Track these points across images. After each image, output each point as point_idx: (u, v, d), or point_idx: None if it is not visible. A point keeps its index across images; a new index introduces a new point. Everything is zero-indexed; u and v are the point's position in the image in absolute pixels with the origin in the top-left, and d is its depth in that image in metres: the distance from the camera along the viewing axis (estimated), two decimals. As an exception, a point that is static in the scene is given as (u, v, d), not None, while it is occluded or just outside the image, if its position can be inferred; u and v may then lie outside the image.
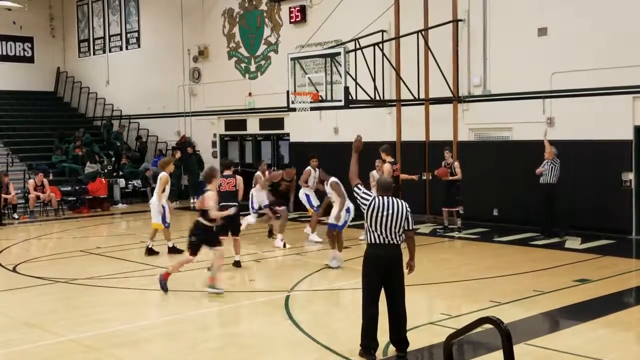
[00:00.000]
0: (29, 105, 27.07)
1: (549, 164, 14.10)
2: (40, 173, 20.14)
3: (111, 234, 16.78)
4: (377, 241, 6.94)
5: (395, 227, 6.90)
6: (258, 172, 14.81)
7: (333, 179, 12.07)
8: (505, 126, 16.04)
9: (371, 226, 6.93)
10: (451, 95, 16.37)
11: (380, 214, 6.86)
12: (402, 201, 7.05)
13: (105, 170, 22.51)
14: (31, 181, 19.96)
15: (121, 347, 7.47)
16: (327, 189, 12.11)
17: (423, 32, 16.32)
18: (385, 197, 7.00)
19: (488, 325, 4.76)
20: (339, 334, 7.89)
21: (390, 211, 6.89)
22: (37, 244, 15.69)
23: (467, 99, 16.52)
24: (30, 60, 28.67)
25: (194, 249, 9.82)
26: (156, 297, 9.95)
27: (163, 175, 12.65)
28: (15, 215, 19.00)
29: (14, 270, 11.79)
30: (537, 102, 15.33)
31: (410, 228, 7.04)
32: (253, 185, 14.58)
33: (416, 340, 7.53)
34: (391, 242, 6.93)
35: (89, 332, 8.04)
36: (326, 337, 7.59)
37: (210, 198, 9.79)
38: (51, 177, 21.15)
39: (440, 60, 16.05)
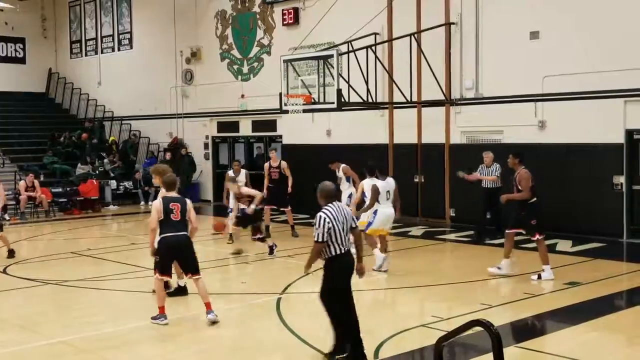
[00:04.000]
0: (21, 106, 26.96)
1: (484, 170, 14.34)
2: (31, 174, 20.06)
3: (102, 236, 16.72)
4: (341, 250, 6.80)
5: (346, 232, 6.84)
6: (230, 172, 14.73)
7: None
8: (497, 129, 16.09)
9: (335, 239, 6.73)
10: (443, 98, 16.41)
11: (337, 223, 6.73)
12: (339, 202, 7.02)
13: (97, 172, 22.48)
14: (22, 182, 19.89)
15: (112, 349, 7.45)
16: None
17: (416, 35, 16.36)
18: (333, 205, 6.85)
19: (479, 328, 4.77)
20: (330, 337, 7.88)
21: (342, 217, 6.81)
22: (28, 245, 15.61)
23: (459, 102, 16.56)
24: (22, 61, 28.56)
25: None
26: (147, 299, 9.91)
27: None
28: (6, 217, 18.90)
29: (4, 271, 11.73)
30: (528, 105, 15.38)
31: (356, 225, 7.06)
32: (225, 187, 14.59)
33: (407, 342, 7.56)
34: (347, 247, 6.86)
35: (79, 334, 8.01)
36: (318, 339, 7.57)
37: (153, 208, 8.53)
38: (42, 178, 21.07)
39: (433, 63, 16.09)
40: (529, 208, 10.48)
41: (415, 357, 7.30)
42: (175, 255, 8.50)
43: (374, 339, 7.45)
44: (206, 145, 23.45)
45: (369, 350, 7.09)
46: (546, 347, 7.29)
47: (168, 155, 22.72)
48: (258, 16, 21.34)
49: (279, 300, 9.40)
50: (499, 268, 10.68)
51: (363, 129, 18.38)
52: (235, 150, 22.62)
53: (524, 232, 10.66)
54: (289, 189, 15.18)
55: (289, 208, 15.34)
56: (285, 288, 10.17)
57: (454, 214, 16.68)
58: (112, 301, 9.86)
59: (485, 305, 8.89)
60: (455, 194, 16.43)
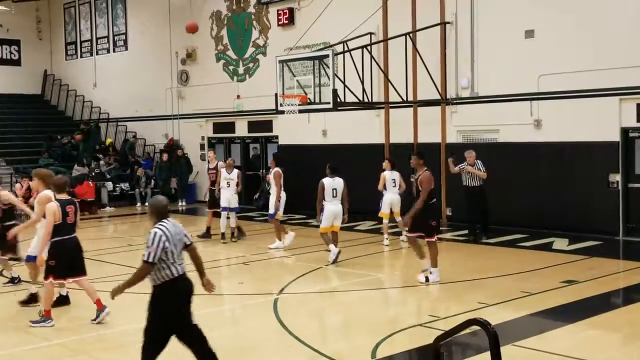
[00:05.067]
0: (16, 109, 26.91)
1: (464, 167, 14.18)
2: (26, 179, 19.96)
3: (98, 237, 16.67)
4: (178, 272, 5.99)
5: (180, 251, 6.06)
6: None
7: (277, 168, 13.35)
8: (493, 128, 16.11)
9: (171, 260, 5.93)
10: (439, 98, 16.42)
11: (173, 241, 5.94)
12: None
13: (93, 173, 22.43)
14: (18, 185, 19.82)
15: (108, 351, 7.44)
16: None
17: (411, 35, 16.36)
18: (168, 221, 6.00)
19: (476, 327, 4.77)
20: (327, 337, 7.89)
21: (177, 234, 6.01)
22: (24, 247, 15.54)
23: (454, 101, 16.58)
24: (17, 63, 28.50)
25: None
26: (143, 301, 9.89)
27: None
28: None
29: (0, 273, 11.69)
30: (524, 104, 15.41)
31: (190, 242, 6.17)
32: (218, 184, 14.68)
33: (405, 341, 7.56)
34: (184, 269, 6.04)
35: (76, 336, 8.00)
36: (315, 339, 7.58)
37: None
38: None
39: (428, 62, 16.10)
40: (429, 209, 10.23)
41: (413, 356, 7.30)
42: (72, 258, 8.47)
43: (372, 338, 7.46)
44: (202, 146, 23.42)
45: (366, 349, 7.09)
46: (543, 346, 7.30)
47: (165, 157, 22.71)
48: (253, 16, 21.34)
49: (276, 300, 9.40)
50: (430, 273, 10.27)
51: (359, 129, 18.38)
52: (231, 151, 22.60)
53: (423, 234, 10.26)
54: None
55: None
56: (282, 288, 10.16)
57: (450, 213, 16.68)
58: (109, 303, 9.82)
59: (483, 304, 8.90)
60: (451, 193, 16.44)
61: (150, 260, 5.86)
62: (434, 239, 10.26)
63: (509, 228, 14.95)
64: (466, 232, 14.77)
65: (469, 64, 16.29)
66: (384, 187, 13.91)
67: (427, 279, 10.22)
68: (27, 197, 19.46)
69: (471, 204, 14.17)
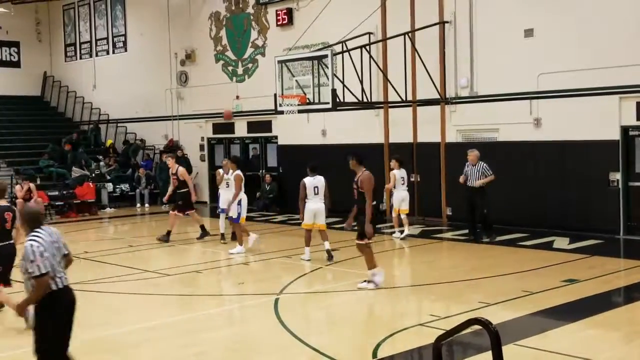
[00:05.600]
0: (16, 110, 26.90)
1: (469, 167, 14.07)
2: (26, 182, 19.95)
3: (99, 239, 16.68)
4: (62, 284, 5.72)
5: (59, 260, 5.76)
6: (220, 169, 14.87)
7: (238, 171, 13.41)
8: (492, 127, 16.11)
9: (52, 271, 5.62)
10: (438, 97, 16.42)
11: (52, 251, 5.65)
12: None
13: (93, 175, 22.44)
14: (18, 186, 19.82)
15: (109, 352, 7.43)
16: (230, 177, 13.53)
17: (410, 34, 16.36)
18: (43, 229, 5.73)
19: (477, 326, 4.76)
20: (329, 337, 7.89)
21: (55, 243, 5.73)
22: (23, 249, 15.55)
23: (454, 101, 16.58)
24: (17, 65, 28.48)
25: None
26: (145, 302, 9.92)
27: None
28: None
29: (0, 276, 11.67)
30: (524, 103, 15.40)
31: (68, 251, 5.89)
32: (218, 184, 14.65)
33: (405, 342, 7.55)
34: (67, 281, 5.79)
35: (78, 337, 7.97)
36: (315, 339, 7.57)
37: None
38: (38, 182, 21.01)
39: (427, 62, 16.10)
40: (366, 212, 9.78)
41: (414, 356, 7.29)
42: (6, 264, 8.53)
43: (372, 339, 7.45)
44: (202, 147, 23.42)
45: (368, 349, 7.09)
46: (545, 345, 7.29)
47: (165, 157, 22.68)
48: (252, 17, 21.33)
49: (276, 300, 9.39)
50: (369, 282, 9.91)
51: (358, 129, 18.37)
52: (230, 151, 22.60)
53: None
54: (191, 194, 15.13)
55: (193, 211, 15.28)
56: (283, 288, 10.15)
57: (450, 213, 16.68)
58: (110, 304, 9.84)
59: (483, 304, 8.89)
60: (451, 192, 16.43)
61: (43, 271, 5.52)
62: (364, 242, 9.87)
63: (509, 227, 14.93)
64: (466, 231, 14.76)
65: (468, 63, 16.28)
66: (394, 185, 14.44)
67: (368, 282, 9.86)
68: (28, 198, 19.55)
69: (472, 204, 14.13)
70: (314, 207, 12.11)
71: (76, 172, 22.43)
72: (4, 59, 28.16)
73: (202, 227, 15.11)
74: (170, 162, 15.40)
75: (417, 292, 10.18)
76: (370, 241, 9.99)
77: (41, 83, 29.05)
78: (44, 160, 22.96)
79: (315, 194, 12.13)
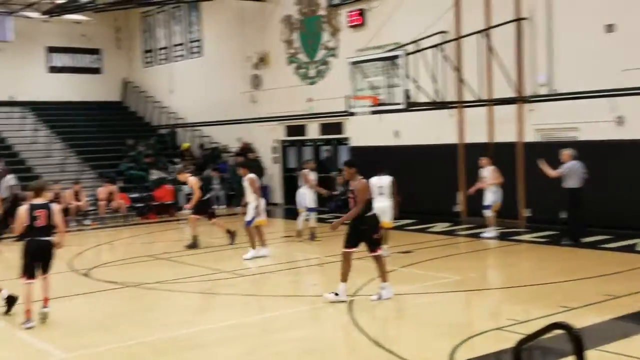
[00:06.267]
0: (98, 115, 27.87)
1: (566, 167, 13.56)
2: (108, 184, 20.68)
3: (177, 239, 17.06)
4: None
5: None
6: (306, 170, 15.20)
7: (251, 175, 13.29)
8: (572, 126, 15.62)
9: None
10: (515, 96, 16.05)
11: None
12: None
13: (172, 177, 22.99)
14: (100, 189, 20.58)
15: (188, 350, 7.59)
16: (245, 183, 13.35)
17: (485, 32, 16.07)
18: None
19: (559, 331, 4.62)
20: (404, 340, 7.82)
21: None
22: (108, 249, 16.14)
23: (532, 99, 16.17)
24: (98, 71, 29.55)
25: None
26: (221, 301, 10.10)
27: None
28: (87, 222, 19.59)
29: (86, 274, 12.14)
30: (605, 100, 14.87)
31: None
32: (299, 185, 14.83)
33: (482, 346, 7.41)
34: None
35: (156, 335, 8.21)
36: (391, 342, 7.52)
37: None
38: (120, 184, 21.73)
39: (504, 59, 15.79)
40: (367, 221, 9.37)
41: (492, 360, 7.14)
42: (37, 258, 8.75)
43: (449, 342, 7.35)
44: (274, 149, 23.68)
45: (444, 353, 6.99)
46: (629, 350, 7.02)
47: (239, 160, 23.07)
48: (324, 19, 21.42)
49: (351, 302, 9.38)
50: (336, 294, 9.43)
51: (432, 130, 18.17)
52: (303, 153, 22.75)
53: (355, 249, 9.51)
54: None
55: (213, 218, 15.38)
56: (357, 290, 10.13)
57: (529, 214, 16.27)
58: (187, 303, 10.07)
59: (565, 308, 8.63)
60: (531, 194, 16.03)
61: None
62: (377, 253, 9.50)
63: (591, 230, 14.45)
64: (546, 233, 14.36)
65: (547, 60, 15.86)
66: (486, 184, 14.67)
67: (380, 297, 9.46)
68: (109, 200, 20.26)
69: (570, 205, 13.64)
70: (379, 206, 12.02)
71: (154, 174, 23.05)
72: (86, 65, 29.26)
73: (195, 237, 14.78)
74: (180, 176, 15.60)
75: (495, 295, 9.97)
76: (352, 250, 9.45)
77: (121, 88, 30.04)
78: (124, 164, 23.70)
79: (380, 193, 12.33)
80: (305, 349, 7.69)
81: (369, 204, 9.49)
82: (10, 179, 17.45)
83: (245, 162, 14.54)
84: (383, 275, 9.58)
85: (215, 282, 11.22)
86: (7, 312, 9.13)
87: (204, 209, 15.07)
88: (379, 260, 9.54)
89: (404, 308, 9.60)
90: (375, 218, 9.62)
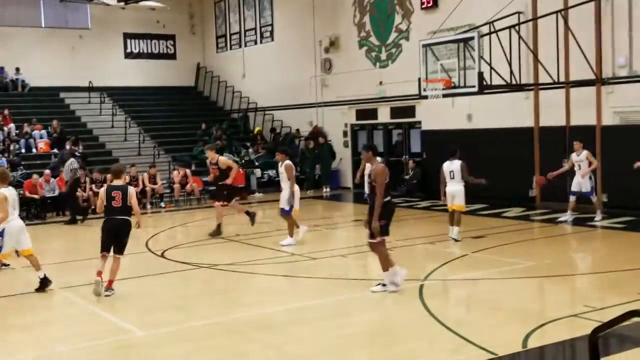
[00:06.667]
0: (172, 100, 28.53)
1: None
2: (182, 168, 21.18)
3: (249, 222, 17.33)
4: None
5: None
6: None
7: (288, 161, 12.96)
8: (654, 108, 15.01)
9: None
10: (594, 77, 15.53)
11: None
12: None
13: (243, 161, 23.36)
14: (175, 172, 21.12)
15: (260, 330, 7.73)
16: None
17: (562, 12, 15.58)
18: None
19: (636, 319, 4.49)
20: (476, 325, 7.75)
21: None
22: (182, 231, 16.57)
23: (611, 81, 15.60)
24: (173, 57, 30.22)
25: None
26: (293, 283, 10.24)
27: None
28: (162, 204, 20.15)
29: (162, 255, 12.51)
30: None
31: None
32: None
33: (557, 333, 7.27)
34: None
35: (229, 316, 8.40)
36: (463, 327, 7.47)
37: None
38: (193, 168, 22.22)
39: (581, 40, 15.27)
40: (384, 208, 8.87)
41: (566, 348, 7.00)
42: (112, 236, 9.34)
43: (523, 327, 7.24)
44: (345, 133, 23.70)
45: (517, 339, 6.90)
46: None
47: (311, 144, 23.24)
48: (396, 1, 21.20)
49: (421, 287, 9.35)
50: (383, 285, 9.12)
51: (506, 113, 17.80)
52: (374, 137, 22.69)
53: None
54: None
55: (230, 202, 14.56)
56: (428, 275, 10.09)
57: (606, 199, 15.77)
58: (263, 284, 10.25)
59: (643, 296, 8.36)
60: (608, 178, 15.52)
61: None
62: (376, 241, 9.02)
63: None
64: (623, 219, 13.90)
65: (627, 40, 15.25)
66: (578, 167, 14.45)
67: (384, 285, 9.09)
68: (184, 183, 20.76)
69: None
70: (450, 189, 12.68)
71: (226, 157, 23.42)
72: (161, 51, 29.96)
73: (247, 212, 14.56)
74: (209, 153, 14.59)
75: (570, 282, 9.74)
76: (381, 239, 9.03)
77: (195, 73, 30.62)
78: (197, 148, 24.20)
79: (451, 177, 12.60)
80: (376, 332, 7.73)
81: (388, 189, 8.96)
82: (73, 162, 18.09)
83: (284, 149, 13.89)
84: (385, 263, 9.09)
85: (287, 264, 11.37)
86: (39, 290, 9.64)
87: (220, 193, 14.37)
88: (377, 248, 9.06)
89: (476, 293, 9.49)
90: (392, 205, 9.15)
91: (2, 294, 9.71)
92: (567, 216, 14.47)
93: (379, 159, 9.56)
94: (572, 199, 14.56)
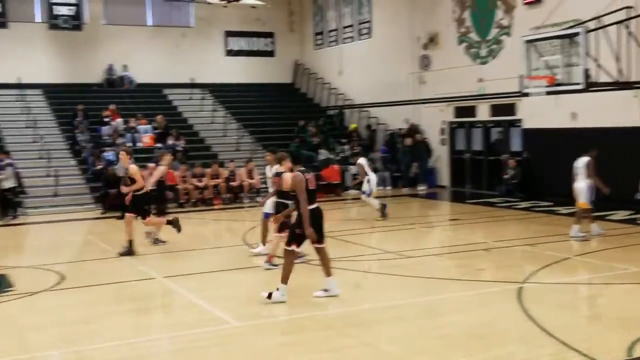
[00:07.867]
0: (271, 97, 28.97)
1: None
2: (277, 164, 21.40)
3: (344, 219, 17.38)
4: None
5: None
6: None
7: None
8: None
9: None
10: None
11: None
12: None
13: (338, 158, 23.44)
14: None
15: (354, 327, 7.72)
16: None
17: (677, 6, 14.72)
18: None
19: None
20: (577, 330, 7.44)
21: None
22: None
23: None
24: (271, 54, 30.68)
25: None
26: (386, 281, 10.18)
27: None
28: (259, 199, 20.49)
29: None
30: None
31: None
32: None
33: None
34: None
35: (323, 311, 8.44)
36: (563, 332, 7.18)
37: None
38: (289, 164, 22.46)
39: (699, 35, 14.37)
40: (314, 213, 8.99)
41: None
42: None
43: (627, 336, 6.89)
44: (442, 131, 23.33)
45: (621, 346, 6.56)
46: None
47: (409, 141, 23.04)
48: (498, -3, 20.67)
49: (519, 289, 9.06)
50: (325, 290, 8.95)
51: (613, 111, 17.00)
52: (472, 135, 22.23)
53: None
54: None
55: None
56: (527, 277, 9.77)
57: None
58: (354, 282, 10.24)
59: None
60: None
61: None
62: (322, 245, 9.00)
63: None
64: None
65: None
66: None
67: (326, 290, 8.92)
68: (279, 178, 21.00)
69: None
70: (574, 186, 12.87)
71: (322, 154, 23.60)
72: (260, 49, 30.49)
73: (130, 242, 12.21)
74: (123, 155, 12.54)
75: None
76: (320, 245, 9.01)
77: (292, 70, 30.98)
78: (294, 144, 24.48)
79: (576, 174, 12.85)
80: (472, 334, 7.55)
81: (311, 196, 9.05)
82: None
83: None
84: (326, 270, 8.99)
85: (379, 262, 11.31)
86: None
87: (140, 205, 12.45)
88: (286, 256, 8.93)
89: (577, 298, 9.13)
90: (318, 211, 9.24)
91: (113, 280, 10.17)
92: None
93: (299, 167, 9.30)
94: None
